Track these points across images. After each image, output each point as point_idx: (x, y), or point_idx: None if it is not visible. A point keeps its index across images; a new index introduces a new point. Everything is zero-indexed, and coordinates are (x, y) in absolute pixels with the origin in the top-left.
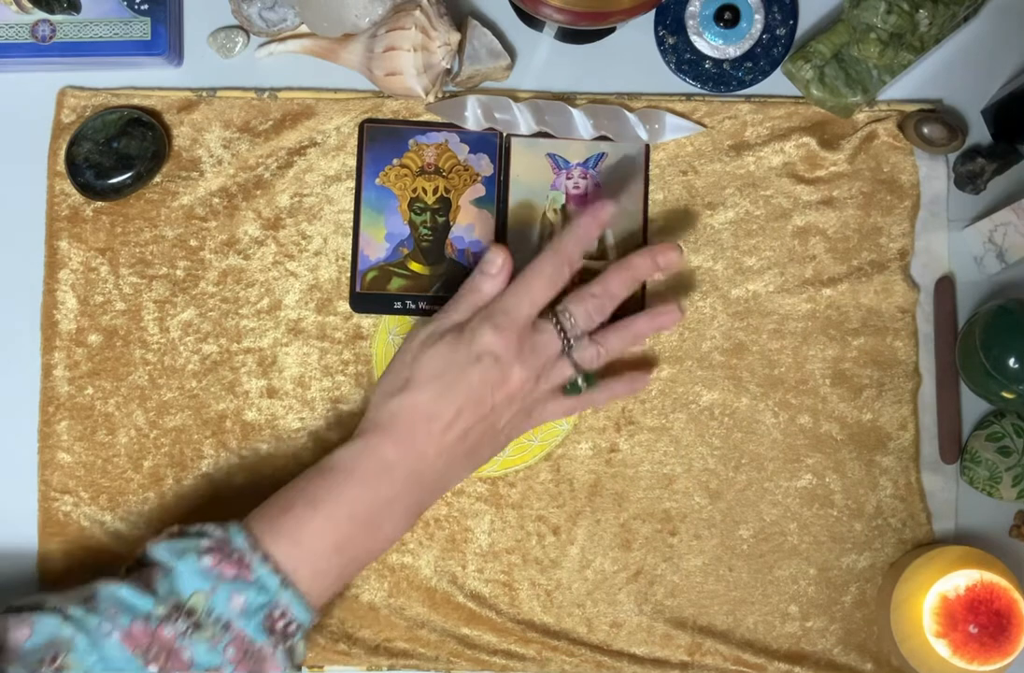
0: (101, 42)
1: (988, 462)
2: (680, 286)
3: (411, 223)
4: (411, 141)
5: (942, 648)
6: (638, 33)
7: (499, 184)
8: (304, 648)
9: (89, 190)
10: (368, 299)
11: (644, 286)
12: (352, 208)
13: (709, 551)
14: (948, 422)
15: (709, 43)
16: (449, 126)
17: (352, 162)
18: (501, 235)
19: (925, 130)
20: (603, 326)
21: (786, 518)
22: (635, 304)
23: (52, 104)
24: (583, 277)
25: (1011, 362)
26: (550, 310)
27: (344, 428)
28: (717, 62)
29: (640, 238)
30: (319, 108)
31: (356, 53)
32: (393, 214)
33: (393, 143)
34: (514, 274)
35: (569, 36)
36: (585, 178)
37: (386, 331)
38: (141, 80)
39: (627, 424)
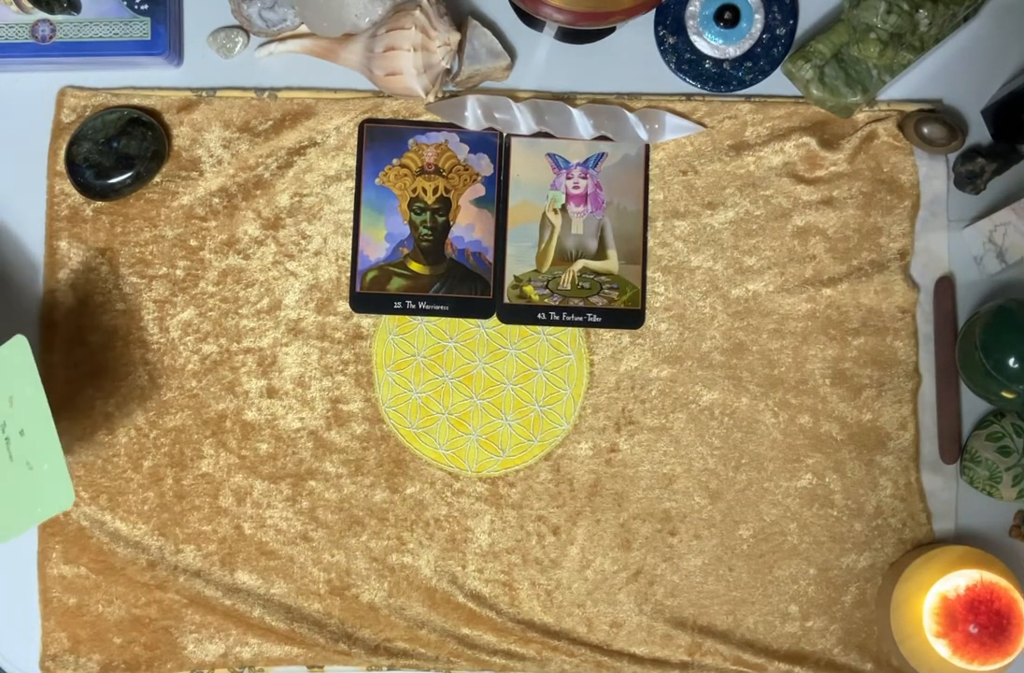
0: (101, 42)
1: (988, 462)
2: (680, 286)
3: (411, 223)
4: (411, 141)
5: (942, 648)
6: (638, 33)
7: (499, 184)
8: None
9: (89, 190)
10: (368, 299)
11: (644, 287)
12: (352, 208)
13: (709, 551)
14: (948, 422)
15: (709, 43)
16: (449, 126)
17: (352, 162)
18: (501, 235)
19: (925, 130)
20: None
21: (786, 518)
22: (634, 305)
23: (52, 104)
24: (584, 277)
25: (1011, 362)
26: None
27: (344, 428)
28: (717, 62)
29: (640, 238)
30: (319, 108)
31: (356, 53)
32: (393, 214)
33: (393, 143)
34: (511, 275)
35: (569, 36)
36: (585, 178)
37: (386, 331)
38: (141, 80)
39: (627, 424)
